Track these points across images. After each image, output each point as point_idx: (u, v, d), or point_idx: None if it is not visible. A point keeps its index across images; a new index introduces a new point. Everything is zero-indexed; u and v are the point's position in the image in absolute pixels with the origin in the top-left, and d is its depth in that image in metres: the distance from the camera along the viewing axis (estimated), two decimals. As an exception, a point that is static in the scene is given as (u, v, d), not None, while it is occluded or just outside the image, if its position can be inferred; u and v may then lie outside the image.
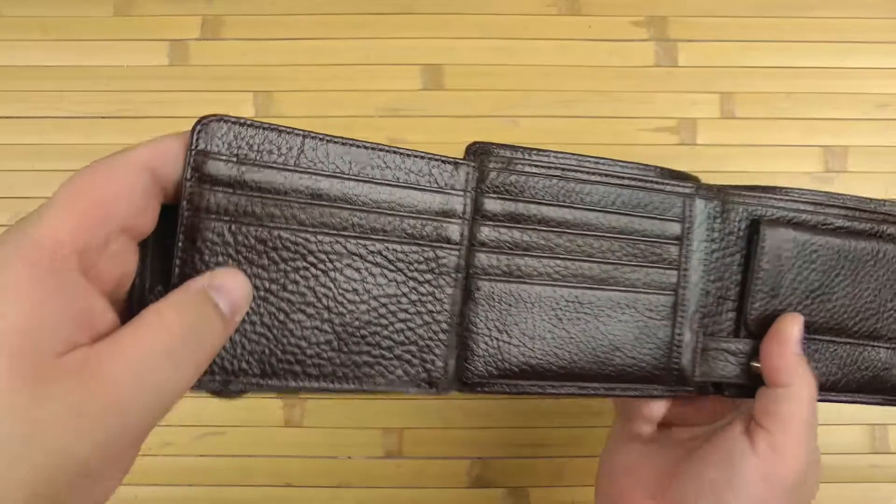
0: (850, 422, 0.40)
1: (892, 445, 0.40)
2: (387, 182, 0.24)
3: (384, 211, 0.23)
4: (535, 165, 0.27)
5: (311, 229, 0.22)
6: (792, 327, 0.27)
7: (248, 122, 0.21)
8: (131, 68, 0.42)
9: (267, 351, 0.21)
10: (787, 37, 0.43)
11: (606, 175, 0.27)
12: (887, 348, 0.29)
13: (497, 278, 0.25)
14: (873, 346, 0.29)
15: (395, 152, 0.24)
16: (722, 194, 0.28)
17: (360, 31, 0.43)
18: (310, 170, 0.22)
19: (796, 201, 0.29)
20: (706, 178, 0.41)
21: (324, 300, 0.22)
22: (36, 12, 0.43)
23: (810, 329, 0.28)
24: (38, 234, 0.17)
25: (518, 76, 0.42)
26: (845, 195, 0.29)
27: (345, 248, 0.23)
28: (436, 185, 0.25)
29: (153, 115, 0.42)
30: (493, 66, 0.42)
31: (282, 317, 0.21)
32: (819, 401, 0.27)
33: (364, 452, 0.39)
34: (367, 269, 0.23)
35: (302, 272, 0.22)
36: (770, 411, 0.26)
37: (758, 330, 0.28)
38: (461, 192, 0.25)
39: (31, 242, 0.17)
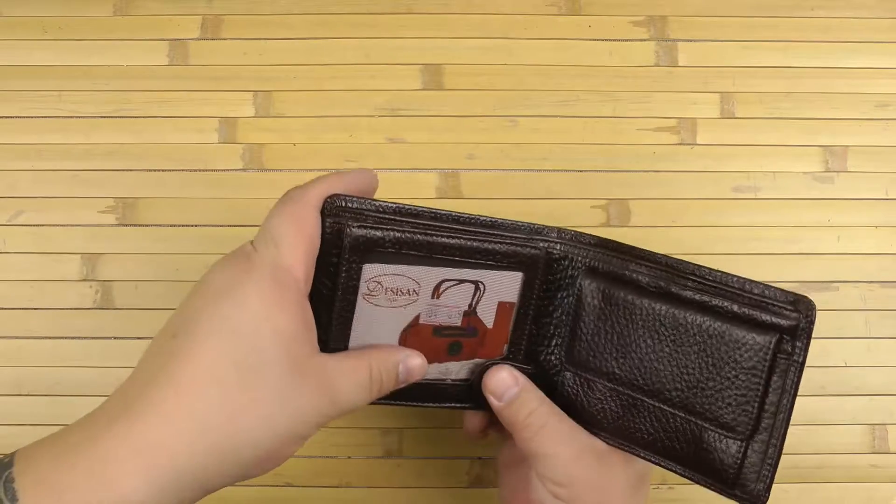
0: (850, 422, 0.40)
1: (892, 445, 0.40)
2: None
3: None
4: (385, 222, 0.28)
5: None
6: (492, 383, 0.30)
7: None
8: (131, 68, 0.42)
9: None
10: (787, 37, 0.43)
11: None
12: (712, 430, 0.28)
13: None
14: (695, 421, 0.28)
15: None
16: (564, 245, 0.30)
17: (359, 31, 0.43)
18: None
19: (627, 259, 0.30)
20: (706, 178, 0.41)
21: None
22: (36, 12, 0.43)
23: (623, 382, 0.30)
24: (284, 262, 0.24)
25: (518, 76, 0.42)
26: (707, 270, 0.29)
27: None
28: None
29: (153, 114, 0.42)
30: (492, 65, 0.42)
31: None
32: (645, 458, 0.29)
33: (364, 452, 0.39)
34: None
35: None
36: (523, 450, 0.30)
37: (575, 367, 0.31)
38: None
39: (281, 269, 0.24)
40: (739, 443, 0.28)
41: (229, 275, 0.24)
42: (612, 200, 0.41)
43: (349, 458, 0.39)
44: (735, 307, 0.28)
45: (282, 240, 0.24)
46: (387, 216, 0.27)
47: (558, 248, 0.30)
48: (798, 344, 0.27)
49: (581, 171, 0.41)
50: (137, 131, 0.41)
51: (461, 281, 0.29)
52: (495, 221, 0.29)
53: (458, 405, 0.32)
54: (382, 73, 0.42)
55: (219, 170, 0.41)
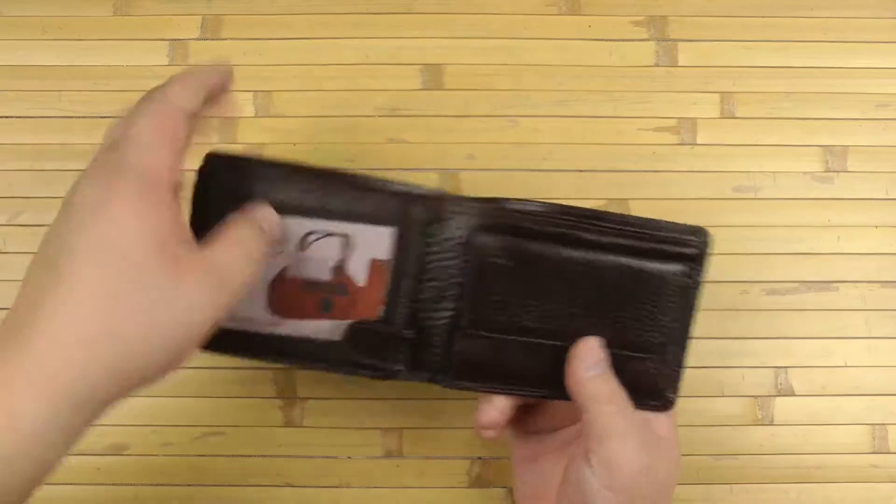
0: (850, 422, 0.40)
1: (892, 445, 0.40)
2: None
3: None
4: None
5: None
6: (583, 349, 0.30)
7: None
8: (131, 68, 0.42)
9: None
10: (787, 37, 0.43)
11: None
12: (632, 356, 0.31)
13: None
14: (617, 353, 0.30)
15: None
16: (443, 202, 0.30)
17: (359, 31, 0.43)
18: None
19: (521, 212, 0.30)
20: (706, 178, 0.41)
21: None
22: (36, 12, 0.43)
23: (541, 334, 0.30)
24: (151, 165, 0.24)
25: (518, 76, 0.42)
26: (588, 210, 0.30)
27: None
28: None
29: (153, 114, 0.41)
30: (492, 65, 0.42)
31: None
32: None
33: (364, 452, 0.39)
34: None
35: None
36: (588, 431, 0.29)
37: (475, 329, 0.30)
38: None
39: (148, 174, 0.24)
40: (655, 359, 0.31)
41: (98, 192, 0.24)
42: (612, 200, 0.41)
43: (349, 458, 0.39)
44: (644, 244, 0.30)
45: (148, 143, 0.24)
46: (263, 169, 0.29)
47: (439, 204, 0.30)
48: (698, 268, 0.31)
49: (581, 171, 0.41)
50: (137, 131, 0.41)
51: (328, 234, 0.29)
52: (368, 179, 0.29)
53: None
54: (382, 73, 0.42)
55: (219, 170, 0.41)
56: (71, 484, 0.38)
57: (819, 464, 0.39)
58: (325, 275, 0.30)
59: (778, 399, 0.40)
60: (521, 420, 0.33)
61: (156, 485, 0.39)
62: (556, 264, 0.30)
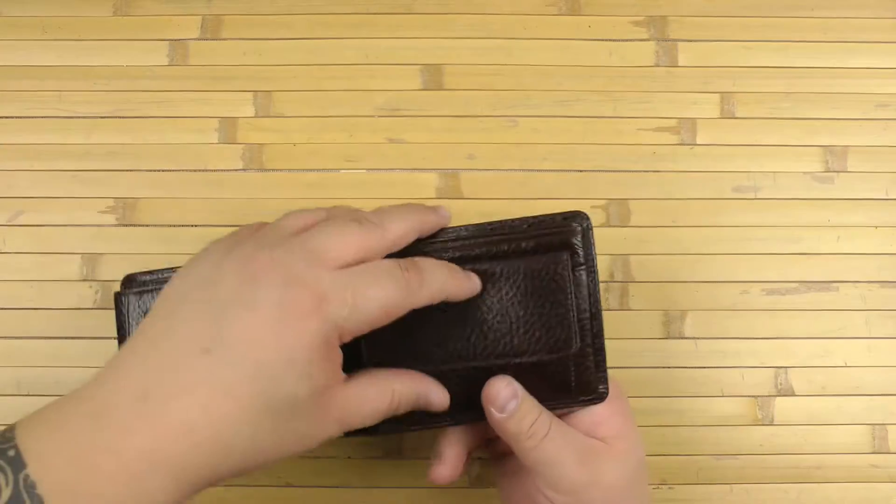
0: (850, 422, 0.40)
1: (892, 445, 0.40)
2: None
3: None
4: None
5: None
6: (490, 394, 0.29)
7: None
8: (131, 68, 0.42)
9: None
10: (787, 37, 0.43)
11: None
12: (549, 357, 0.30)
13: None
14: (530, 361, 0.30)
15: None
16: None
17: (359, 31, 0.43)
18: None
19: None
20: (706, 178, 0.41)
21: None
22: (36, 12, 0.42)
23: (452, 360, 0.30)
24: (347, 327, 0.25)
25: (517, 76, 0.42)
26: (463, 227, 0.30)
27: None
28: None
29: (153, 114, 0.42)
30: (492, 65, 0.42)
31: None
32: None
33: (364, 452, 0.39)
34: None
35: None
36: (525, 465, 0.30)
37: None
38: None
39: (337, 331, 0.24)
40: (573, 354, 0.30)
41: (286, 311, 0.23)
42: (612, 200, 0.41)
43: (349, 458, 0.39)
44: (524, 244, 0.30)
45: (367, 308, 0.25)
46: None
47: None
48: (584, 250, 0.30)
49: (581, 171, 0.41)
50: (137, 131, 0.41)
51: None
52: None
53: (444, 422, 0.31)
54: (382, 73, 0.42)
55: (218, 170, 0.41)
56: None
57: (819, 464, 0.39)
58: None
59: (778, 399, 0.40)
60: (492, 444, 0.34)
61: (156, 485, 0.39)
62: None
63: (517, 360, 0.30)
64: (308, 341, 0.23)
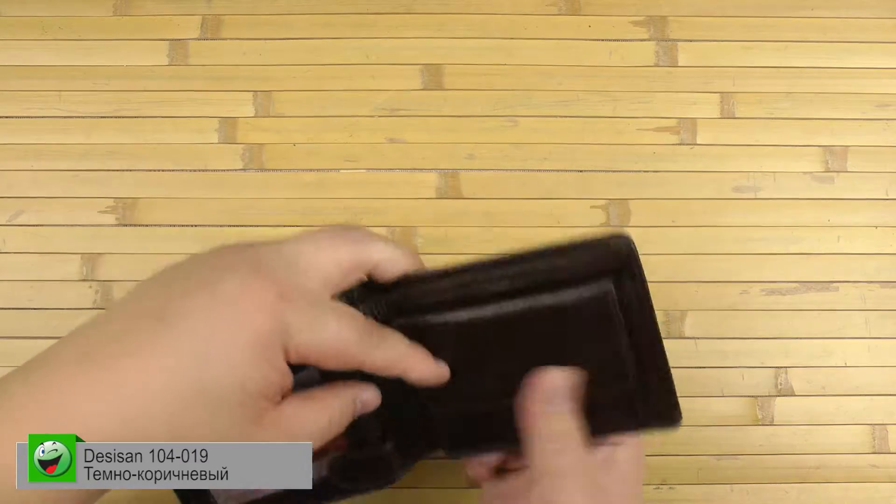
0: (850, 422, 0.40)
1: (892, 445, 0.40)
2: None
3: None
4: None
5: None
6: (537, 383, 0.28)
7: None
8: (131, 68, 0.42)
9: None
10: (787, 37, 0.43)
11: None
12: (604, 389, 0.28)
13: None
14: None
15: None
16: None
17: (360, 31, 0.43)
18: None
19: (420, 291, 0.28)
20: (706, 178, 0.41)
21: None
22: (36, 12, 0.42)
23: (500, 396, 0.28)
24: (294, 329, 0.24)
25: (517, 76, 0.42)
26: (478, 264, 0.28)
27: None
28: None
29: (153, 114, 0.42)
30: (492, 65, 0.42)
31: None
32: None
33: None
34: None
35: None
36: (531, 470, 0.27)
37: (437, 406, 0.30)
38: None
39: (289, 328, 0.24)
40: (635, 385, 0.28)
41: (242, 297, 0.23)
42: (612, 200, 0.41)
43: (349, 458, 0.39)
44: (561, 276, 0.27)
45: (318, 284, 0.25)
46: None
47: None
48: (633, 272, 0.27)
49: (581, 171, 0.41)
50: (137, 131, 0.41)
51: None
52: None
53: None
54: (382, 73, 0.42)
55: (218, 170, 0.41)
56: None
57: (819, 464, 0.39)
58: None
59: (778, 399, 0.40)
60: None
61: (156, 485, 0.39)
62: (482, 326, 0.28)
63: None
64: (254, 330, 0.23)
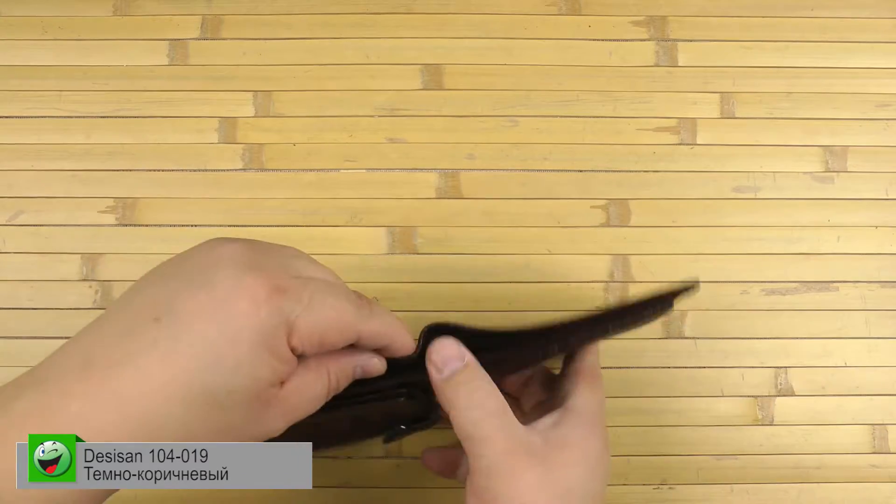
0: (850, 422, 0.40)
1: (892, 445, 0.40)
2: None
3: None
4: None
5: None
6: (432, 352, 0.29)
7: None
8: (131, 68, 0.42)
9: None
10: (787, 37, 0.43)
11: None
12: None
13: None
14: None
15: None
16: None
17: (359, 31, 0.43)
18: None
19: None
20: (706, 178, 0.41)
21: None
22: (36, 12, 0.42)
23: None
24: (304, 332, 0.24)
25: (518, 76, 0.42)
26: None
27: None
28: None
29: (153, 114, 0.42)
30: (492, 65, 0.42)
31: None
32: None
33: (364, 452, 0.39)
34: None
35: None
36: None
37: None
38: None
39: (298, 330, 0.24)
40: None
41: (240, 293, 0.23)
42: (612, 200, 0.41)
43: (349, 458, 0.39)
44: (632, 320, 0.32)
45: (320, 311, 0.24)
46: None
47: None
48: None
49: (581, 171, 0.41)
50: (137, 131, 0.41)
51: None
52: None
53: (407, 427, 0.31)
54: (382, 73, 0.42)
55: (218, 170, 0.41)
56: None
57: (819, 464, 0.39)
58: None
59: (778, 399, 0.40)
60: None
61: (156, 485, 0.39)
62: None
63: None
64: (256, 325, 0.23)
